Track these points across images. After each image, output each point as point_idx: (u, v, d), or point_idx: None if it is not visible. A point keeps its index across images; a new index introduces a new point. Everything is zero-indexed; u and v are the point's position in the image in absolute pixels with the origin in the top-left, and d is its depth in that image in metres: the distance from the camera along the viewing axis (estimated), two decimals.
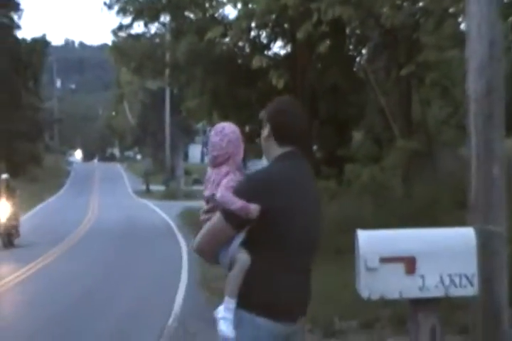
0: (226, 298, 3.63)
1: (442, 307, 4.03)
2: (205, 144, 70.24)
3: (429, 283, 3.76)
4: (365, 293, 3.85)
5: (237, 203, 3.56)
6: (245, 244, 3.66)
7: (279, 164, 3.82)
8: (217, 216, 3.67)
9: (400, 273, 3.73)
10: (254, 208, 3.55)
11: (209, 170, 3.76)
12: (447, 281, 3.76)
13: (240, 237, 3.66)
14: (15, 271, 15.95)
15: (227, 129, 3.78)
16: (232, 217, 3.62)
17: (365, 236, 3.86)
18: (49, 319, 11.17)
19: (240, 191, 3.62)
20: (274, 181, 3.70)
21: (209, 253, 3.76)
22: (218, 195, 3.64)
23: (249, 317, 3.62)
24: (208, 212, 3.77)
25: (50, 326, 10.69)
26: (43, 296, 13.37)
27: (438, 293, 3.81)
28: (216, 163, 3.69)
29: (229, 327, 3.57)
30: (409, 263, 3.73)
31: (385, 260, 3.73)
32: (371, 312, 9.20)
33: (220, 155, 3.65)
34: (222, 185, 3.65)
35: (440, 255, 3.79)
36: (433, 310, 3.83)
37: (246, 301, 3.63)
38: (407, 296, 3.77)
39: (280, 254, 3.69)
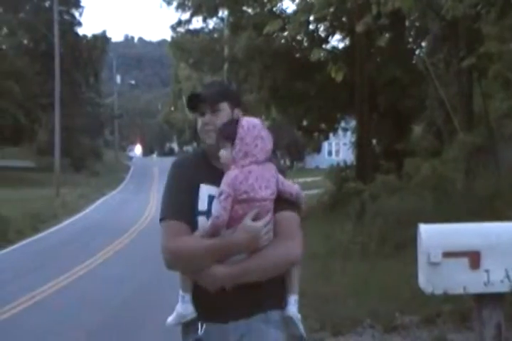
0: (295, 296, 3.38)
1: (507, 302, 3.93)
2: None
3: (494, 278, 3.66)
4: (427, 288, 3.76)
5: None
6: None
7: None
8: (292, 215, 3.34)
9: (464, 268, 3.64)
10: None
11: (254, 167, 3.27)
12: None
13: None
14: (76, 266, 16.16)
15: None
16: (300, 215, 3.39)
17: (427, 231, 3.77)
18: (108, 311, 11.32)
19: None
20: None
21: None
22: (298, 191, 3.38)
23: None
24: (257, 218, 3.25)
25: (109, 317, 10.83)
26: (102, 290, 13.53)
27: (503, 288, 3.70)
28: (267, 158, 3.32)
29: None
30: (474, 258, 3.63)
31: (448, 254, 3.63)
32: (432, 307, 9.07)
33: (270, 151, 3.35)
34: (285, 181, 3.37)
35: (505, 249, 3.69)
36: (498, 306, 3.72)
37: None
38: (471, 291, 3.67)
39: None
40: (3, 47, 66.13)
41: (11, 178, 52.03)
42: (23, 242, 21.78)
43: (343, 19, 22.52)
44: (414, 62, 24.26)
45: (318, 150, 51.69)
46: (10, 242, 21.29)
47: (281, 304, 3.35)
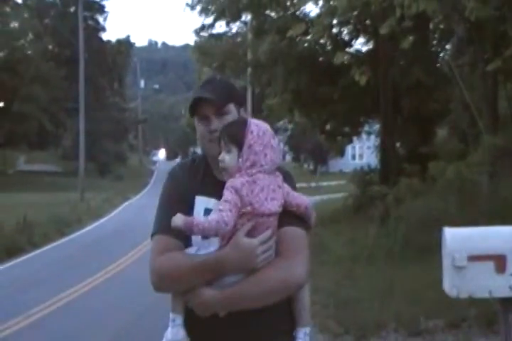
0: (306, 329, 3.01)
1: None
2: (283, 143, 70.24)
3: None
4: (452, 292, 3.72)
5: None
6: None
7: None
8: (298, 231, 2.88)
9: (489, 272, 3.60)
10: None
11: (260, 175, 2.81)
12: None
13: None
14: (101, 270, 16.22)
15: None
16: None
17: (452, 234, 3.73)
18: (132, 316, 11.34)
19: None
20: None
21: None
22: (307, 203, 2.95)
23: None
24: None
25: (132, 322, 10.83)
26: (126, 295, 13.51)
27: None
28: (274, 169, 2.86)
29: None
30: (500, 262, 3.58)
31: (473, 258, 3.59)
32: (457, 311, 9.00)
33: (279, 162, 2.92)
34: (292, 191, 2.92)
35: None
36: None
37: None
38: (497, 295, 3.64)
39: None
40: (29, 52, 66.57)
41: (37, 182, 52.48)
42: (49, 246, 21.91)
43: (367, 22, 22.42)
44: (438, 65, 24.14)
45: (341, 153, 51.52)
46: (36, 246, 21.41)
47: (290, 338, 2.95)
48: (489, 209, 14.05)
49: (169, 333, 2.89)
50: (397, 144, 26.75)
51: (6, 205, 29.49)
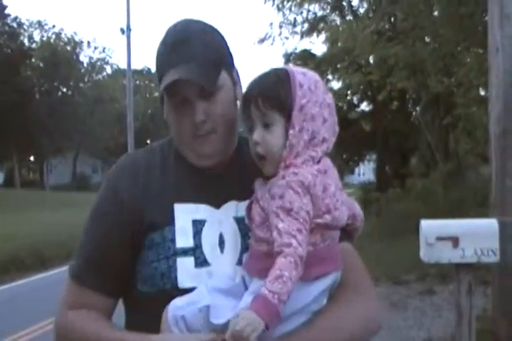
0: None
1: (475, 268, 3.83)
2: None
3: (467, 253, 3.59)
4: (425, 259, 3.70)
5: None
6: None
7: None
8: (353, 251, 1.37)
9: (448, 247, 3.57)
10: None
11: (328, 162, 1.30)
12: (479, 252, 3.59)
13: None
14: None
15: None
16: None
17: (426, 223, 3.72)
18: None
19: None
20: None
21: None
22: (360, 211, 1.33)
23: None
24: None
25: None
26: None
27: (473, 260, 3.62)
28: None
29: None
30: (455, 241, 3.56)
31: (439, 238, 3.58)
32: (423, 270, 8.88)
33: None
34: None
35: (475, 235, 3.62)
36: (469, 270, 3.65)
37: None
38: (453, 262, 3.61)
39: None
40: None
41: None
42: None
43: (369, 93, 22.33)
44: (412, 119, 23.89)
45: (352, 172, 51.20)
46: None
47: None
48: (443, 208, 13.82)
49: None
50: (386, 167, 26.51)
51: None
